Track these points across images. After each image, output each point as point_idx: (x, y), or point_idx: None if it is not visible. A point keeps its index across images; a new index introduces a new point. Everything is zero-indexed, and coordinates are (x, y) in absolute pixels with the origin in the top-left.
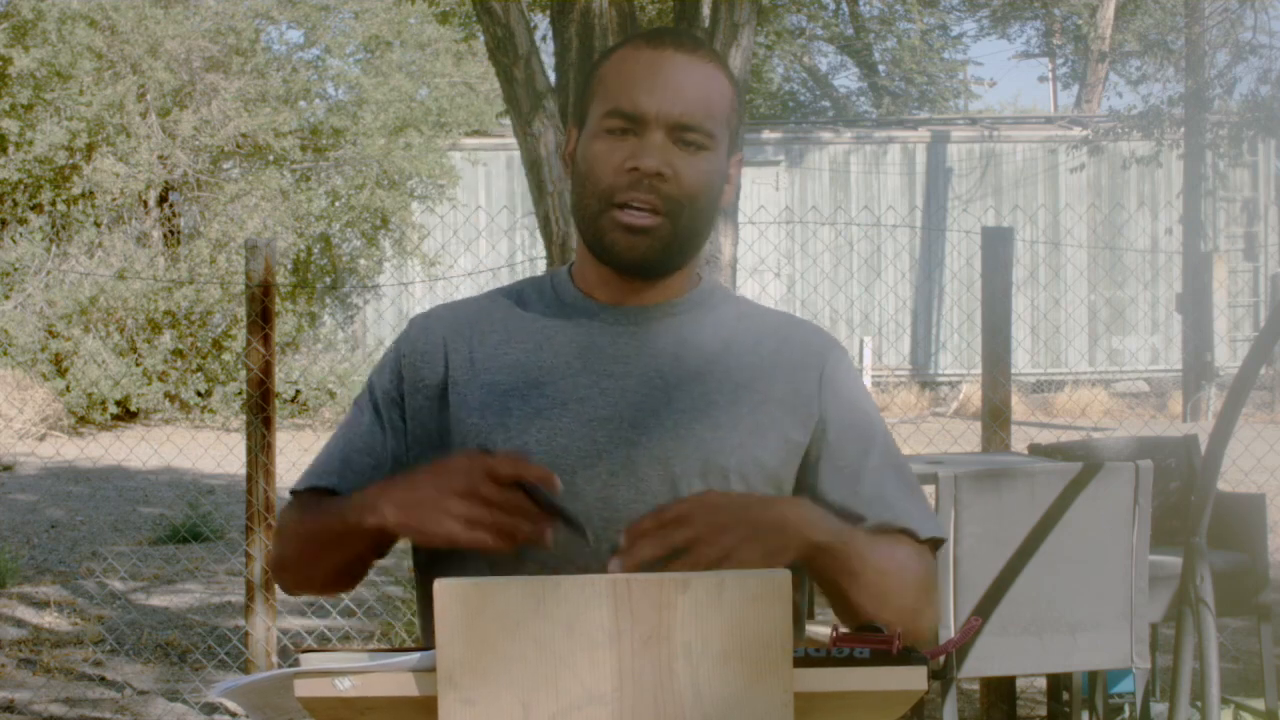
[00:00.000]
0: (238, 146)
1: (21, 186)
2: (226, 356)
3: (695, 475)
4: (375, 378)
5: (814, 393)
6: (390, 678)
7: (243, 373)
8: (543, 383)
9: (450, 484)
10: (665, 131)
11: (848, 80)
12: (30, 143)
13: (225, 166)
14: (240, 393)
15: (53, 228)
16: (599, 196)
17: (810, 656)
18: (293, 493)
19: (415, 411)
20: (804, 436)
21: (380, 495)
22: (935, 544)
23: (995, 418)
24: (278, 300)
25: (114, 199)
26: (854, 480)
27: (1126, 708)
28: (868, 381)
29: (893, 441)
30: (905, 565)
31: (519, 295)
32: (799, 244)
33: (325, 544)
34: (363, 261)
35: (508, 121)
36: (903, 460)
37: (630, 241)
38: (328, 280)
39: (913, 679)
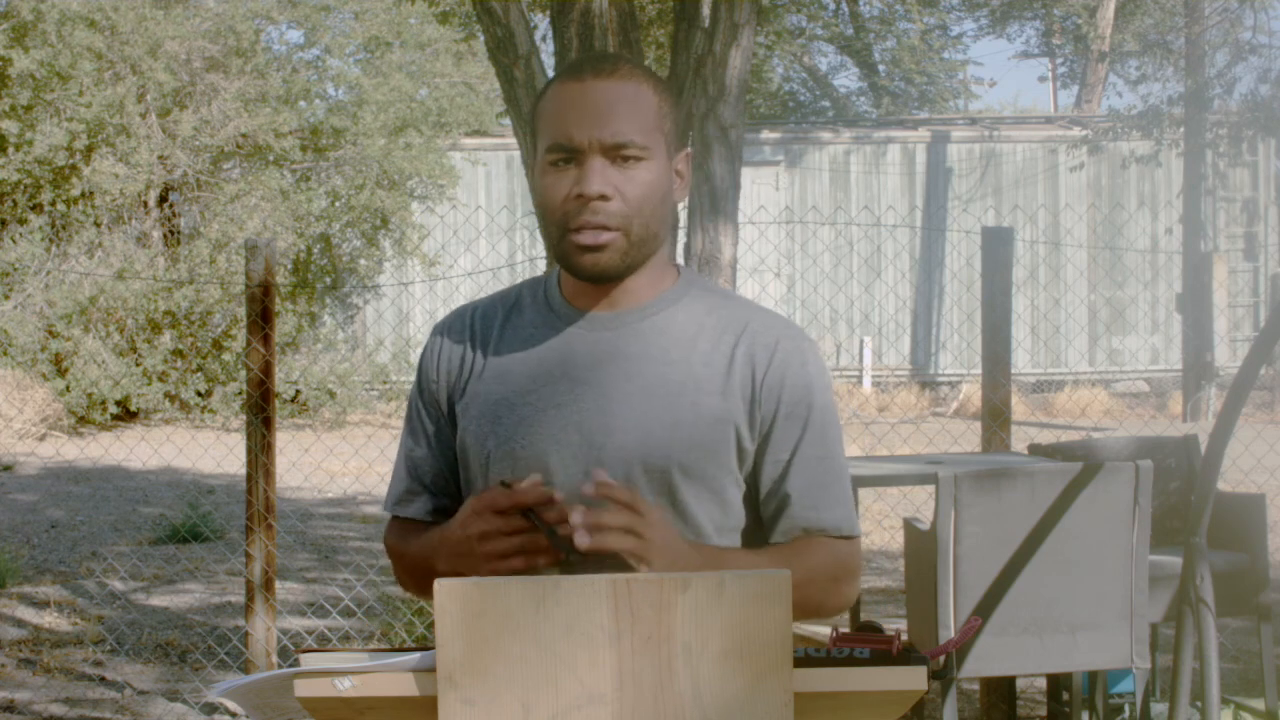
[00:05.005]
0: (238, 147)
1: (21, 187)
2: (226, 356)
3: (647, 469)
4: (414, 397)
5: (762, 383)
6: (390, 678)
7: (243, 373)
8: (528, 391)
9: (474, 530)
10: (601, 154)
11: (848, 80)
12: (30, 143)
13: (225, 167)
14: (240, 393)
15: (52, 228)
16: (556, 224)
17: (810, 656)
18: (388, 512)
19: (450, 417)
20: (752, 427)
21: (441, 546)
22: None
23: (995, 418)
24: (278, 300)
25: (114, 199)
26: (786, 473)
27: (1126, 708)
28: (867, 382)
29: (831, 432)
30: (811, 572)
31: (516, 300)
32: (799, 244)
33: (430, 572)
34: (363, 261)
35: (508, 121)
36: (836, 450)
37: (591, 258)
38: (328, 280)
39: (913, 679)
